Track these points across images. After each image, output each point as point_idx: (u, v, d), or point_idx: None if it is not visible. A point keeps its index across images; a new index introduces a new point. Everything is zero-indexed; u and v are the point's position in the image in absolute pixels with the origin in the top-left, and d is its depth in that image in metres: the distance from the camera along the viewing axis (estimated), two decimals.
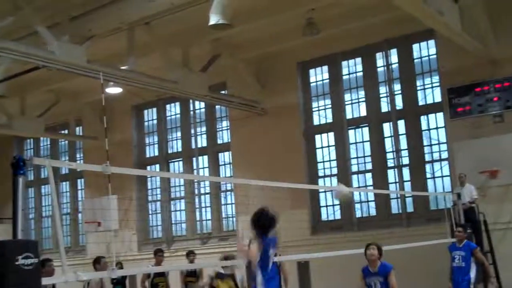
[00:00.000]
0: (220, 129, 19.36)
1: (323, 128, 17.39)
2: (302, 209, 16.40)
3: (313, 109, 17.59)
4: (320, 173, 17.25)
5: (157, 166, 20.47)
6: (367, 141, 16.73)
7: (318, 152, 17.34)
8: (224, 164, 19.14)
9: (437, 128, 15.78)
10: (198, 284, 12.08)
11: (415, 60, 16.24)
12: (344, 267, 14.97)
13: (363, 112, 16.89)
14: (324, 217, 17.10)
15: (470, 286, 9.50)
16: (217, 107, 19.00)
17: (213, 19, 10.93)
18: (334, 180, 16.93)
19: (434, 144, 15.84)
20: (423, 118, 16.05)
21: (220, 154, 19.26)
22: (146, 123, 21.12)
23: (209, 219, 19.08)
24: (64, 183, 22.83)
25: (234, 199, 18.33)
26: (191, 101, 19.21)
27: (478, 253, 9.76)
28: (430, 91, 15.98)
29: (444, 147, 15.52)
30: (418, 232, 13.75)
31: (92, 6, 12.62)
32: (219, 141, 19.32)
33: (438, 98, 15.66)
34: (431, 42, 15.80)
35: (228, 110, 18.57)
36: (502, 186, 13.91)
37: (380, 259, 7.61)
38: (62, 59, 12.52)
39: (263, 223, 5.36)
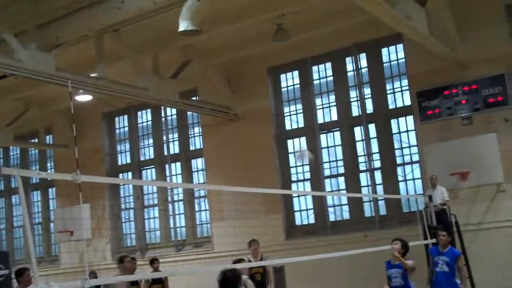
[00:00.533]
0: (192, 135, 19.30)
1: (295, 133, 17.45)
2: (276, 214, 16.43)
3: (285, 114, 17.65)
4: (293, 178, 17.29)
5: (130, 173, 20.31)
6: (339, 145, 16.84)
7: (291, 156, 17.39)
8: (197, 171, 19.08)
9: (407, 131, 15.94)
10: None
11: (385, 64, 16.40)
12: (318, 271, 15.09)
13: (334, 117, 17.00)
14: (298, 221, 17.14)
15: None
16: (189, 113, 18.95)
17: (182, 26, 10.88)
18: (308, 184, 17.01)
19: (405, 147, 16.00)
20: (393, 122, 16.21)
21: (193, 160, 19.21)
22: (117, 131, 20.96)
23: (183, 226, 18.98)
24: (35, 192, 22.53)
25: (208, 205, 18.27)
26: (162, 107, 19.13)
27: (460, 260, 9.77)
28: (400, 95, 16.15)
29: (415, 149, 15.69)
30: (391, 234, 13.71)
31: (59, 14, 12.48)
32: (192, 148, 19.26)
33: (407, 102, 15.83)
34: (400, 46, 15.97)
35: (199, 116, 18.54)
36: (473, 187, 14.09)
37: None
38: (30, 67, 12.36)
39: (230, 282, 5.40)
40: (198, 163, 19.05)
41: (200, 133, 18.88)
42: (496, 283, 13.18)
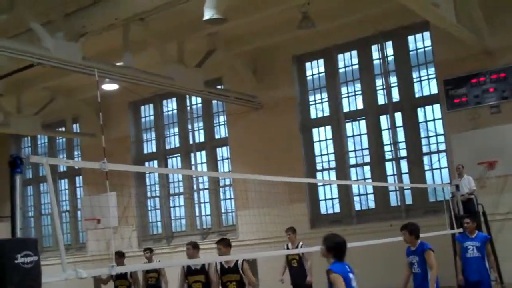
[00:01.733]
0: (218, 124, 19.35)
1: (320, 122, 17.38)
2: (301, 202, 16.41)
3: (310, 103, 17.59)
4: (318, 167, 17.25)
5: (155, 162, 20.45)
6: (365, 134, 16.74)
7: (316, 145, 17.34)
8: (222, 159, 19.14)
9: (434, 120, 15.79)
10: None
11: (411, 52, 16.23)
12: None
13: (360, 105, 16.89)
14: (323, 210, 17.11)
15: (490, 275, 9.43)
16: (214, 102, 18.98)
17: (208, 14, 10.90)
18: (333, 173, 16.96)
19: (432, 136, 15.86)
20: (420, 110, 16.05)
21: (218, 149, 19.27)
22: (143, 119, 21.10)
23: (208, 215, 19.08)
24: (62, 180, 22.82)
25: (233, 194, 18.33)
26: (187, 96, 19.18)
27: (490, 244, 9.68)
28: (427, 83, 15.98)
29: (441, 138, 15.53)
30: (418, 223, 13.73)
31: (86, 3, 12.56)
32: (217, 136, 19.31)
33: (434, 90, 15.66)
34: (426, 34, 15.79)
35: (225, 104, 18.56)
36: (500, 177, 13.92)
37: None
38: (57, 56, 12.48)
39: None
40: (223, 152, 19.10)
41: (225, 122, 18.92)
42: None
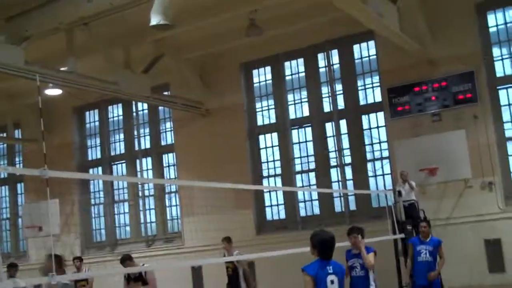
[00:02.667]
0: (164, 130, 19.21)
1: (267, 129, 17.47)
2: (247, 209, 16.44)
3: (257, 110, 17.66)
4: (264, 173, 17.32)
5: (100, 168, 20.14)
6: (310, 140, 16.91)
7: (262, 152, 17.42)
8: (168, 166, 18.99)
9: (378, 127, 16.08)
10: None
11: (356, 61, 16.50)
12: (289, 266, 15.10)
13: (306, 112, 17.06)
14: (269, 217, 17.17)
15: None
16: (160, 108, 18.84)
17: (154, 20, 10.82)
18: (278, 180, 17.07)
19: (375, 143, 16.14)
20: (364, 118, 16.32)
21: (164, 155, 19.11)
22: (88, 125, 20.76)
23: (153, 222, 18.90)
24: (3, 187, 22.21)
25: (178, 200, 18.21)
26: (133, 102, 18.98)
27: (442, 248, 9.84)
28: (371, 91, 16.27)
29: (385, 145, 15.83)
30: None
31: (29, 6, 12.30)
32: (163, 143, 19.16)
33: (378, 98, 15.96)
34: (371, 43, 16.09)
35: (171, 111, 18.44)
36: (441, 183, 14.27)
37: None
38: None
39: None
40: (169, 158, 18.97)
41: (172, 128, 18.79)
42: (463, 278, 13.40)
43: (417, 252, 9.65)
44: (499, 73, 14.64)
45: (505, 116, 14.49)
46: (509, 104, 14.50)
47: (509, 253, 13.59)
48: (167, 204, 18.86)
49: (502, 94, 14.58)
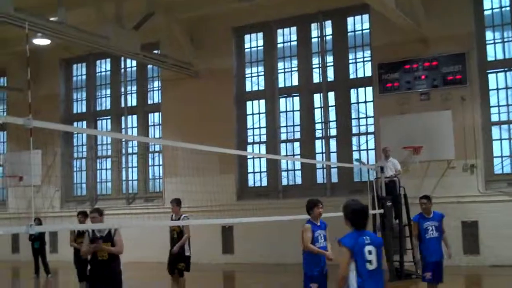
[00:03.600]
0: (151, 89, 19.09)
1: (255, 95, 17.42)
2: (229, 174, 16.49)
3: (246, 76, 17.58)
4: (250, 140, 17.33)
5: (84, 123, 20.02)
6: (298, 110, 16.90)
7: (249, 118, 17.39)
8: (154, 125, 18.94)
9: (365, 102, 16.09)
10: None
11: (349, 34, 16.42)
12: (267, 233, 15.28)
13: (295, 82, 17.01)
14: (250, 183, 17.24)
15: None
16: (149, 66, 18.68)
17: None
18: (263, 147, 17.09)
19: (362, 118, 16.17)
20: (353, 91, 16.32)
21: (150, 114, 19.03)
22: (74, 78, 20.58)
23: (135, 180, 18.89)
24: None
25: (162, 160, 18.20)
26: (122, 58, 18.80)
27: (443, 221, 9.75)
28: (361, 65, 16.23)
29: (371, 121, 15.86)
30: (341, 202, 14.00)
31: None
32: (150, 101, 19.06)
33: (368, 73, 15.93)
34: (366, 17, 15.99)
35: (160, 70, 18.29)
36: (424, 162, 14.36)
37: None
38: None
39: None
40: (155, 118, 18.90)
41: (159, 88, 18.67)
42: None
43: (424, 230, 9.44)
44: (490, 57, 14.69)
45: (493, 100, 14.57)
46: (497, 89, 14.56)
47: (485, 236, 13.80)
48: (150, 163, 18.86)
49: (492, 78, 14.65)
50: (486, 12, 14.73)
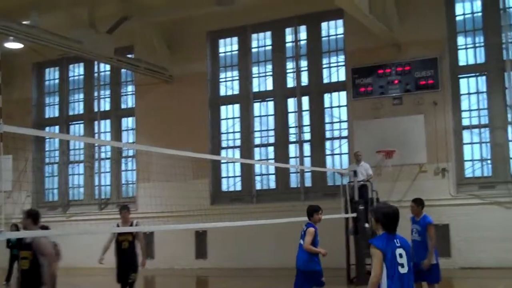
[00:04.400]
0: (125, 93, 18.98)
1: (229, 100, 17.42)
2: (204, 178, 16.41)
3: (221, 80, 17.57)
4: (224, 144, 17.31)
5: (57, 127, 19.82)
6: (272, 115, 16.93)
7: (223, 122, 17.37)
8: (127, 130, 18.82)
9: (339, 106, 16.19)
10: None
11: (323, 38, 16.52)
12: (241, 238, 15.28)
13: (270, 86, 17.05)
14: (224, 188, 17.21)
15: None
16: (123, 71, 18.57)
17: None
18: (237, 151, 17.09)
19: (336, 122, 16.26)
20: (326, 96, 16.40)
21: (123, 119, 18.91)
22: (47, 82, 20.36)
23: (108, 185, 18.74)
24: None
25: (135, 165, 18.07)
26: (96, 62, 18.66)
27: (430, 229, 9.79)
28: (335, 70, 16.33)
29: (344, 125, 15.95)
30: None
31: None
32: (123, 106, 18.94)
33: (342, 77, 16.04)
34: (340, 22, 16.10)
35: (134, 74, 18.19)
36: (396, 166, 14.49)
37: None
38: None
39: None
40: (128, 122, 18.78)
41: (133, 92, 18.56)
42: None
43: (411, 231, 9.62)
44: (461, 61, 14.89)
45: (464, 104, 14.77)
46: (468, 93, 14.77)
47: (456, 239, 13.96)
48: (123, 168, 18.72)
49: (463, 82, 14.85)
50: (458, 18, 14.94)
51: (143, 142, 16.74)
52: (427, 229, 9.16)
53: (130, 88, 18.80)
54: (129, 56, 17.69)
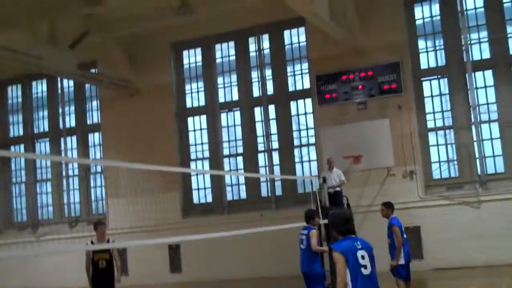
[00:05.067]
0: (90, 109, 18.77)
1: (196, 111, 17.38)
2: (174, 192, 16.30)
3: (186, 92, 17.52)
4: (192, 156, 17.25)
5: (22, 146, 19.49)
6: (239, 125, 16.95)
7: (191, 134, 17.32)
8: (94, 145, 18.60)
9: (305, 113, 16.28)
10: None
11: (286, 47, 16.61)
12: (215, 249, 15.21)
13: (235, 96, 17.07)
14: (196, 200, 17.12)
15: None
16: (87, 86, 18.39)
17: None
18: (206, 163, 17.04)
19: (303, 129, 16.35)
20: (292, 104, 16.48)
21: (89, 134, 18.70)
22: (10, 100, 20.01)
23: (77, 202, 18.48)
24: None
25: (104, 181, 17.88)
26: (59, 78, 18.44)
27: (394, 230, 9.82)
28: (300, 78, 16.43)
29: (312, 132, 16.05)
30: (286, 214, 14.11)
31: None
32: (89, 122, 18.74)
33: (307, 85, 16.15)
34: (302, 30, 16.21)
35: (98, 89, 18.02)
36: (364, 170, 14.63)
37: None
38: None
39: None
40: (95, 138, 18.58)
41: (98, 107, 18.36)
42: (381, 263, 13.76)
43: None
44: (423, 65, 15.14)
45: (428, 107, 15.00)
46: (431, 96, 15.01)
47: (427, 241, 14.13)
48: (92, 184, 18.50)
49: (426, 85, 15.09)
50: (417, 22, 15.20)
51: (110, 157, 16.63)
52: (390, 230, 9.31)
53: (95, 103, 18.59)
54: (93, 70, 17.52)
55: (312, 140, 16.03)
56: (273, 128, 16.56)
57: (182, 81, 17.53)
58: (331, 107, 15.43)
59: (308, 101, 16.11)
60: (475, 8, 14.80)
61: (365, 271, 4.80)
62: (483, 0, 14.76)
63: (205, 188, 17.07)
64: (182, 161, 16.90)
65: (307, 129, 16.25)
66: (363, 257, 4.84)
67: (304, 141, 16.30)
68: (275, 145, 16.50)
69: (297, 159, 16.29)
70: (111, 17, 15.59)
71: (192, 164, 17.17)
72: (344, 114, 15.26)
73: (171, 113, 17.17)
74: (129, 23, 15.93)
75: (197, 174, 17.08)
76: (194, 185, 17.16)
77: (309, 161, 16.14)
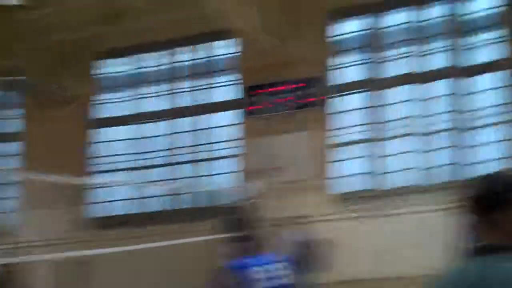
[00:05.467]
0: (8, 117, 18.15)
1: (119, 121, 17.07)
2: (82, 204, 15.88)
3: (110, 101, 17.20)
4: (112, 167, 16.79)
5: None
6: (164, 135, 16.72)
7: (111, 144, 16.95)
8: (10, 155, 17.94)
9: (229, 125, 16.21)
10: None
11: (215, 58, 16.53)
12: (130, 264, 14.80)
13: (162, 106, 16.81)
14: (105, 213, 16.58)
15: None
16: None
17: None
18: (128, 174, 16.70)
19: (229, 141, 16.24)
20: (220, 115, 16.38)
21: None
22: None
23: None
24: None
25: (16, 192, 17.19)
26: None
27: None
28: (227, 89, 16.38)
29: (234, 144, 15.98)
30: (206, 227, 13.92)
31: None
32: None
33: (233, 96, 16.11)
34: (231, 41, 16.17)
35: (18, 97, 17.48)
36: (283, 183, 14.61)
37: None
38: None
39: None
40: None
41: (17, 116, 17.79)
42: None
43: None
44: (343, 79, 15.26)
45: (346, 120, 15.09)
46: (351, 110, 15.16)
47: (338, 254, 14.03)
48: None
49: (345, 99, 15.24)
50: (339, 37, 15.40)
51: (28, 168, 16.05)
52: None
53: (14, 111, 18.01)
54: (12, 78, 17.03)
55: (236, 151, 15.94)
56: (201, 139, 16.32)
57: (105, 90, 17.18)
58: (255, 119, 15.43)
59: (235, 112, 16.05)
60: (397, 25, 15.07)
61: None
62: (404, 17, 15.09)
63: (123, 200, 16.62)
64: (100, 172, 16.50)
65: (229, 140, 16.13)
66: (261, 272, 4.73)
67: (226, 152, 16.19)
68: (200, 156, 16.28)
69: (219, 171, 16.17)
70: (36, 25, 15.22)
71: (112, 175, 16.75)
72: (269, 126, 15.28)
73: (88, 123, 16.87)
74: (53, 30, 15.58)
75: (116, 186, 16.69)
76: (110, 197, 16.64)
77: (232, 172, 16.01)
